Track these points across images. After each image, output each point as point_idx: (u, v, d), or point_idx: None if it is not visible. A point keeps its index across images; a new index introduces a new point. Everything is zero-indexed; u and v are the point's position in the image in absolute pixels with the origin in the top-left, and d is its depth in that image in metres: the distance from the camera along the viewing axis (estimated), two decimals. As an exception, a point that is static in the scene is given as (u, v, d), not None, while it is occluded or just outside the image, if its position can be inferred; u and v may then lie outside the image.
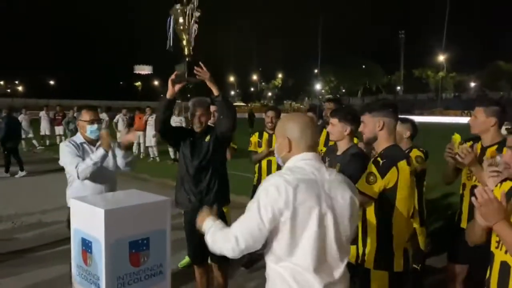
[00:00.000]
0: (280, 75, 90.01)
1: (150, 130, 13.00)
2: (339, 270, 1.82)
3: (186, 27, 3.20)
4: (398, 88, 73.80)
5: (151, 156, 13.53)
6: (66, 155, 3.40)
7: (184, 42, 3.24)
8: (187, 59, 3.23)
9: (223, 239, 1.80)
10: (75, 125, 16.96)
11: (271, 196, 1.71)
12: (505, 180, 1.98)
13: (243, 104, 71.97)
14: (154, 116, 14.90)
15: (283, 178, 1.75)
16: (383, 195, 2.51)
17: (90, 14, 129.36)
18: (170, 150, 13.30)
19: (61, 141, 16.91)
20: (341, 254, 1.82)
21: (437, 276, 4.02)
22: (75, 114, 17.64)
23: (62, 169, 3.54)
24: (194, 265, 3.61)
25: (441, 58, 67.61)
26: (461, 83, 69.04)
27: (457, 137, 2.88)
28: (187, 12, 3.16)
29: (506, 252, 1.82)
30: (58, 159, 3.48)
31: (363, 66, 75.02)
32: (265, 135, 4.80)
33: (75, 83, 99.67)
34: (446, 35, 64.83)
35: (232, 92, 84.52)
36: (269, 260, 1.83)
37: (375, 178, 2.52)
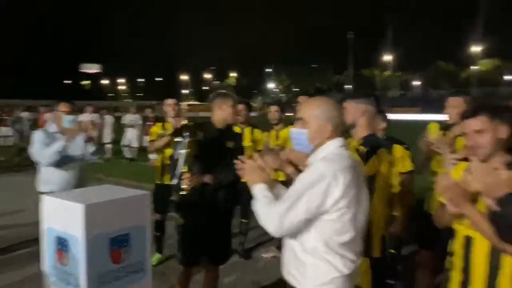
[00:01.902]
0: (234, 74, 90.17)
1: (106, 128, 12.80)
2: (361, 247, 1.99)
3: None
4: (348, 87, 76.19)
5: (107, 155, 13.10)
6: (35, 142, 3.78)
7: None
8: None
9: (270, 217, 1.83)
10: (21, 125, 16.05)
11: (326, 185, 1.76)
12: (464, 159, 2.09)
13: (198, 103, 71.30)
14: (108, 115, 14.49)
15: (336, 166, 1.80)
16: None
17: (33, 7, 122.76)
18: (125, 149, 12.97)
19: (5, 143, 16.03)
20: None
21: (409, 262, 4.16)
22: (21, 114, 16.74)
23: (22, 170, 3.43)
24: (183, 266, 3.41)
25: (387, 58, 70.82)
26: (406, 81, 72.43)
27: (433, 126, 3.03)
28: None
29: (468, 228, 1.92)
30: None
31: (315, 66, 76.91)
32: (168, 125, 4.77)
33: (15, 82, 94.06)
34: (392, 36, 68.00)
35: (186, 91, 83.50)
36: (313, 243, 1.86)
37: None
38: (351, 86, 73.82)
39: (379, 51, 74.59)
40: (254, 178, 1.97)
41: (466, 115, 1.95)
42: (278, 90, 79.33)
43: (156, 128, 4.83)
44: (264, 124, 5.39)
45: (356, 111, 2.71)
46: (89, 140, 3.90)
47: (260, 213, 1.88)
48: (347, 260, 1.86)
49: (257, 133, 5.08)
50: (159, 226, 4.81)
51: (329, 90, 74.44)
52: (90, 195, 2.54)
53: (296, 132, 2.00)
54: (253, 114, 7.30)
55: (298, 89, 70.39)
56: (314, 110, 1.94)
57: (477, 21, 63.00)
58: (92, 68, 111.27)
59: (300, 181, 1.83)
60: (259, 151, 4.55)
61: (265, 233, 2.00)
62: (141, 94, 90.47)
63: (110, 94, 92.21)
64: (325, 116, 1.91)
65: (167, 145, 4.38)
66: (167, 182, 4.50)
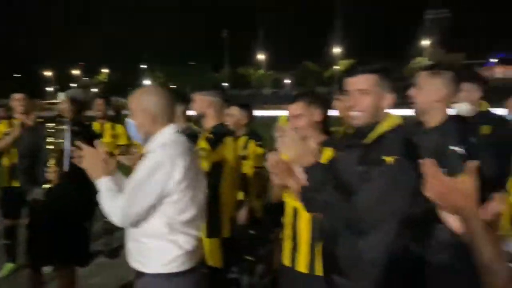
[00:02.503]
0: (106, 70, 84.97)
1: None
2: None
3: None
4: (225, 84, 77.88)
5: None
6: None
7: None
8: None
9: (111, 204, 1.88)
10: None
11: (166, 171, 1.85)
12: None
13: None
14: None
15: (174, 151, 1.90)
16: (212, 169, 2.77)
17: None
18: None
19: None
20: None
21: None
22: None
23: None
24: (33, 270, 3.23)
25: (261, 57, 74.32)
26: (278, 80, 76.74)
27: (283, 118, 3.32)
28: None
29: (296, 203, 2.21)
30: None
31: (190, 63, 76.73)
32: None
33: None
34: (265, 36, 71.55)
35: (51, 88, 75.96)
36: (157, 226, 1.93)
37: (206, 154, 2.76)
38: (227, 84, 75.65)
39: (253, 50, 77.72)
40: (97, 171, 1.97)
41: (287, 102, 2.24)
42: (152, 87, 77.23)
43: (2, 126, 4.41)
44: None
45: (203, 103, 2.89)
46: None
47: (105, 207, 1.91)
48: (190, 237, 2.00)
49: (119, 128, 4.97)
50: (9, 233, 4.41)
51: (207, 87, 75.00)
52: None
53: (130, 123, 2.07)
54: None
55: (175, 86, 69.55)
56: (140, 100, 2.01)
57: (336, 23, 69.75)
58: None
59: (141, 170, 1.90)
60: (120, 146, 4.48)
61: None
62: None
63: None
64: (151, 105, 1.99)
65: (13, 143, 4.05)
66: (15, 184, 4.16)
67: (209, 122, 2.93)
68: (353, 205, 1.62)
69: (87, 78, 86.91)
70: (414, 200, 1.58)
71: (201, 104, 2.90)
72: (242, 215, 3.35)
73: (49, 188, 2.92)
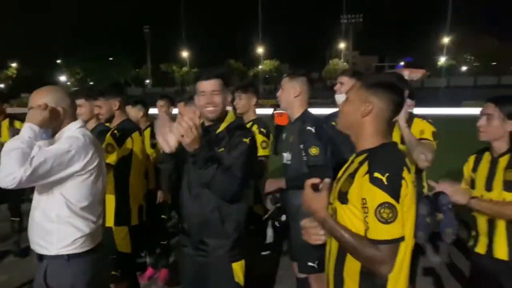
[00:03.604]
0: (14, 64, 78.25)
1: None
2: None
3: None
4: (147, 81, 75.79)
5: None
6: None
7: None
8: None
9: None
10: None
11: (70, 157, 2.03)
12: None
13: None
14: None
15: (79, 143, 2.10)
16: (120, 162, 2.98)
17: None
18: None
19: None
20: None
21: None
22: None
23: None
24: None
25: (185, 54, 73.54)
26: (202, 78, 76.31)
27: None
28: None
29: None
30: None
31: (110, 59, 73.55)
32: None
33: None
34: (186, 33, 70.97)
35: None
36: (57, 210, 2.10)
37: (113, 148, 2.96)
38: (148, 81, 73.84)
39: (176, 47, 76.63)
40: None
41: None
42: (69, 83, 72.86)
43: None
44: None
45: (108, 106, 3.13)
46: None
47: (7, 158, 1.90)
48: (89, 221, 2.19)
49: (18, 124, 4.87)
50: None
51: (127, 84, 72.50)
52: None
53: None
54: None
55: (92, 83, 66.34)
56: (44, 97, 2.15)
57: (259, 24, 71.19)
58: None
59: (52, 148, 2.02)
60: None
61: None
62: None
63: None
64: (55, 101, 2.14)
65: None
66: None
67: (116, 120, 3.16)
68: (229, 177, 2.15)
69: (-7, 72, 79.48)
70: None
71: (107, 108, 3.12)
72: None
73: None
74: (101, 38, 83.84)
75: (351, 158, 1.77)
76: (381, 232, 1.53)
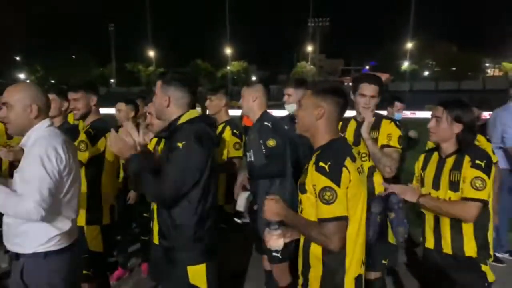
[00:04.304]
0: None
1: None
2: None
3: None
4: (112, 80, 74.11)
5: None
6: None
7: None
8: None
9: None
10: None
11: (51, 158, 2.08)
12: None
13: None
14: None
15: (53, 142, 2.12)
16: (91, 161, 2.99)
17: None
18: None
19: None
20: None
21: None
22: None
23: None
24: None
25: (150, 53, 72.49)
26: (169, 78, 75.27)
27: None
28: None
29: None
30: None
31: (73, 57, 71.47)
32: None
33: None
34: (152, 32, 70.06)
35: None
36: None
37: (85, 146, 2.97)
38: (113, 80, 72.27)
39: (142, 46, 75.35)
40: None
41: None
42: (29, 81, 70.22)
43: None
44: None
45: (87, 101, 3.11)
46: None
47: (11, 207, 2.04)
48: (66, 218, 2.22)
49: None
50: None
51: (91, 83, 70.59)
52: None
53: None
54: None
55: (54, 81, 64.23)
56: (19, 93, 2.17)
57: (227, 25, 71.15)
58: None
59: (28, 170, 2.06)
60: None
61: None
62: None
63: None
64: (31, 98, 2.17)
65: None
66: None
67: (90, 118, 3.14)
68: (160, 183, 2.12)
69: None
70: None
71: (85, 103, 3.11)
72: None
73: None
74: (63, 35, 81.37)
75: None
76: (324, 211, 1.83)
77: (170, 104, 2.30)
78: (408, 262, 4.54)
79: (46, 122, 2.24)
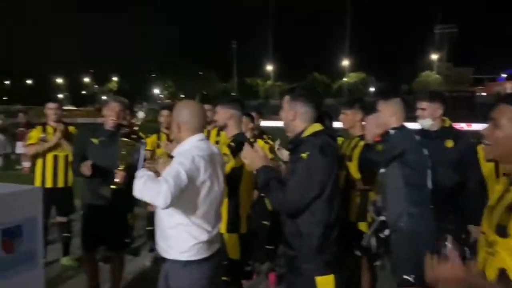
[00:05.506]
0: (115, 78, 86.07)
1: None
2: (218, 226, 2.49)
3: None
4: (233, 94, 78.48)
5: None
6: None
7: None
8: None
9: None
10: None
11: (190, 167, 2.20)
12: None
13: (75, 108, 66.36)
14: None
15: (198, 153, 2.29)
16: (232, 172, 3.15)
17: None
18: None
19: None
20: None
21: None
22: None
23: None
24: (84, 250, 3.84)
25: (269, 68, 75.09)
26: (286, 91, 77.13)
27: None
28: None
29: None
30: None
31: (200, 73, 77.63)
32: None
33: None
34: (272, 48, 72.38)
35: (61, 95, 77.06)
36: (178, 220, 2.29)
37: (228, 159, 3.15)
38: (234, 94, 76.38)
39: (261, 61, 78.61)
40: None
41: None
42: (163, 96, 78.15)
43: (36, 132, 4.86)
44: (150, 129, 5.48)
45: (225, 115, 3.30)
46: None
47: (147, 189, 2.13)
48: (203, 230, 2.35)
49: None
50: (65, 228, 4.97)
51: (214, 97, 75.74)
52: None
53: None
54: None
55: (184, 96, 70.24)
56: (180, 111, 2.46)
57: (345, 37, 70.44)
58: None
59: (175, 163, 2.22)
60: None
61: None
62: (5, 98, 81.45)
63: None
64: (184, 117, 2.42)
65: (52, 148, 4.57)
66: (61, 185, 4.74)
67: (231, 131, 3.33)
68: (285, 192, 2.20)
69: (97, 86, 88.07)
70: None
71: (223, 116, 3.31)
72: None
73: (116, 188, 3.37)
74: (192, 54, 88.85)
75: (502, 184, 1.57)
76: None
77: (295, 118, 2.43)
78: None
79: (199, 136, 2.44)
